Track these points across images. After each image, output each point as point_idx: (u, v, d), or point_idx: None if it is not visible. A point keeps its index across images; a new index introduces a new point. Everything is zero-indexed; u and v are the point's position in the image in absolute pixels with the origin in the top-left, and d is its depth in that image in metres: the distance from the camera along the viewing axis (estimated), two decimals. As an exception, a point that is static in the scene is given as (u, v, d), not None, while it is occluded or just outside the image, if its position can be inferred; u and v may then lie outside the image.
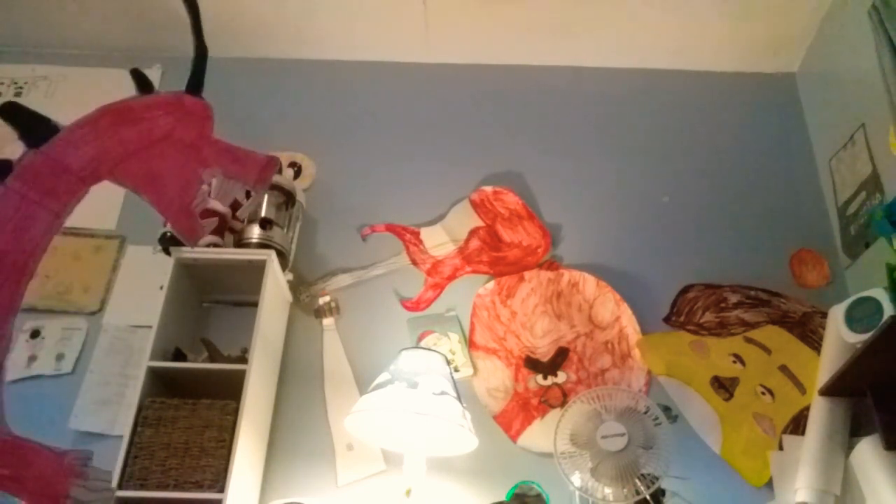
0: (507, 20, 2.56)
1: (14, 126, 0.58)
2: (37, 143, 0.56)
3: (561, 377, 2.10)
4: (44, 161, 0.44)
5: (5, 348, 0.39)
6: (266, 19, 2.61)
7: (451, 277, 2.25)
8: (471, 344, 2.15)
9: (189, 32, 2.63)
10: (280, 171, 2.45)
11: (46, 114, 2.61)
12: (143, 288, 2.17)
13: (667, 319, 2.19)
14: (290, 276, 2.15)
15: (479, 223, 2.36)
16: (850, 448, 1.80)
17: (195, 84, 0.63)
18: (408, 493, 1.73)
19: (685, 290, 2.24)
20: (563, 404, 2.01)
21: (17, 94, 2.67)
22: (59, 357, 2.13)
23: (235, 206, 2.17)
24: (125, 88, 2.71)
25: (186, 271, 2.06)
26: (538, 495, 1.87)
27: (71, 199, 0.48)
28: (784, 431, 1.97)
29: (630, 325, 2.16)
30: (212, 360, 1.99)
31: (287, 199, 2.22)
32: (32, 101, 2.65)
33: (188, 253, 2.00)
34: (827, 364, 1.92)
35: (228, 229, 2.15)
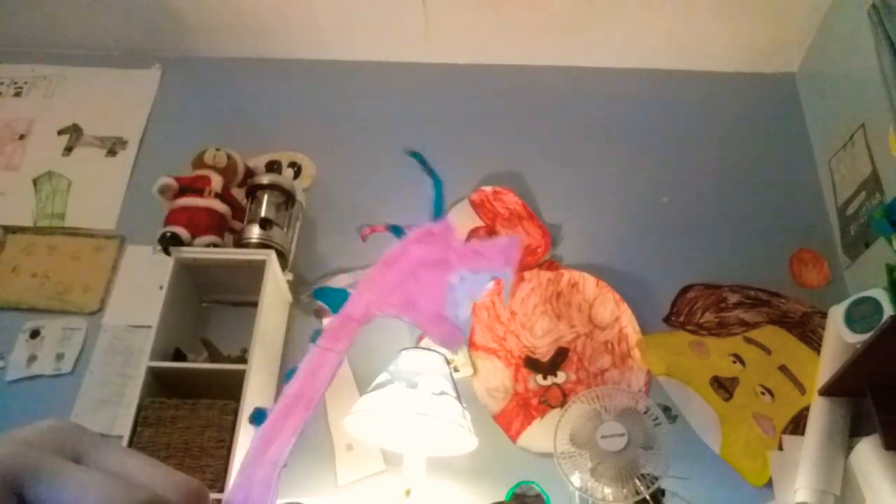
0: (507, 20, 2.56)
1: (327, 304, 0.68)
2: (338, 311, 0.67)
3: (561, 377, 2.10)
4: (339, 319, 0.53)
5: (284, 458, 0.45)
6: (266, 19, 2.61)
7: (451, 277, 2.25)
8: (471, 344, 2.15)
9: (189, 32, 2.64)
10: (280, 171, 2.46)
11: (46, 113, 2.62)
12: (142, 288, 2.17)
13: (667, 319, 2.19)
14: (289, 276, 2.15)
15: (479, 223, 2.36)
16: (850, 448, 1.80)
17: (437, 212, 0.74)
18: (407, 493, 1.73)
19: (685, 290, 2.24)
20: (562, 404, 2.01)
21: (17, 94, 2.67)
22: (59, 357, 2.13)
23: (236, 206, 2.17)
24: (125, 88, 2.72)
25: (186, 271, 2.06)
26: (538, 495, 1.87)
27: (351, 340, 0.56)
28: (784, 431, 1.97)
29: (630, 325, 2.16)
30: (212, 360, 1.99)
31: (287, 199, 2.22)
32: (32, 101, 2.66)
33: (188, 253, 2.00)
34: (827, 364, 1.92)
35: (228, 229, 2.15)
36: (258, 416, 0.59)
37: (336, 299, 0.66)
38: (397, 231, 0.76)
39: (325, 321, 2.18)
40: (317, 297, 0.84)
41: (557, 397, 2.06)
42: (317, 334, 0.65)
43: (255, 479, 0.42)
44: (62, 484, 0.27)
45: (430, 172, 0.68)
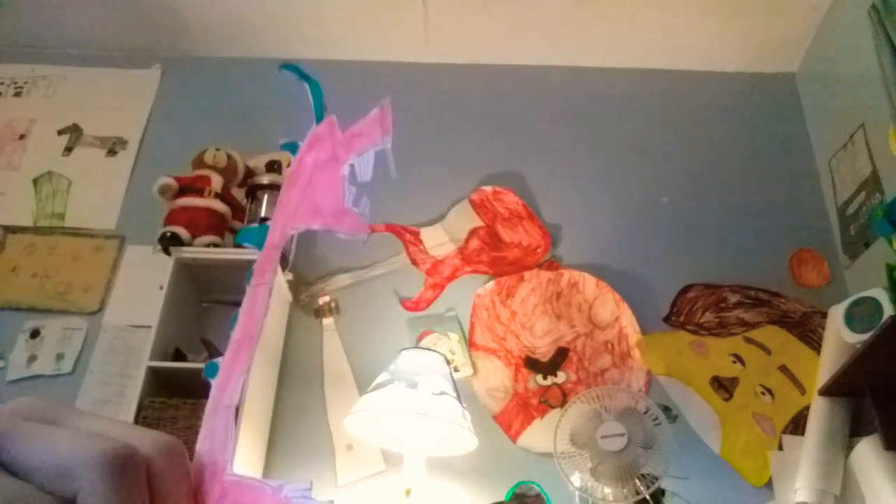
0: (507, 20, 2.56)
1: (253, 245, 0.67)
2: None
3: (561, 377, 2.10)
4: (263, 252, 0.53)
5: (237, 398, 0.46)
6: (266, 19, 2.61)
7: (451, 277, 2.26)
8: (471, 344, 2.15)
9: (189, 32, 2.64)
10: (280, 171, 2.45)
11: (46, 113, 2.62)
12: (142, 288, 2.17)
13: (667, 319, 2.19)
14: (290, 276, 2.15)
15: (479, 223, 2.36)
16: (850, 448, 1.80)
17: (318, 117, 0.73)
18: (407, 493, 1.73)
19: (685, 290, 2.24)
20: (562, 404, 2.01)
21: (17, 94, 2.67)
22: (59, 357, 2.13)
23: (236, 206, 2.17)
24: (125, 88, 2.72)
25: (186, 271, 2.06)
26: (538, 495, 1.87)
27: (275, 267, 0.55)
28: (784, 431, 1.97)
29: (630, 325, 2.16)
30: (212, 360, 1.98)
31: (287, 199, 2.22)
32: (32, 101, 2.66)
33: (188, 253, 2.01)
34: (827, 364, 1.92)
35: (228, 229, 2.15)
36: (211, 370, 0.59)
37: (259, 236, 0.65)
38: (291, 147, 0.75)
39: (327, 320, 2.18)
40: (239, 242, 0.84)
41: (557, 397, 2.06)
42: (249, 274, 0.65)
43: (215, 428, 0.42)
44: (35, 441, 0.28)
45: (308, 80, 0.67)
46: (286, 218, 0.55)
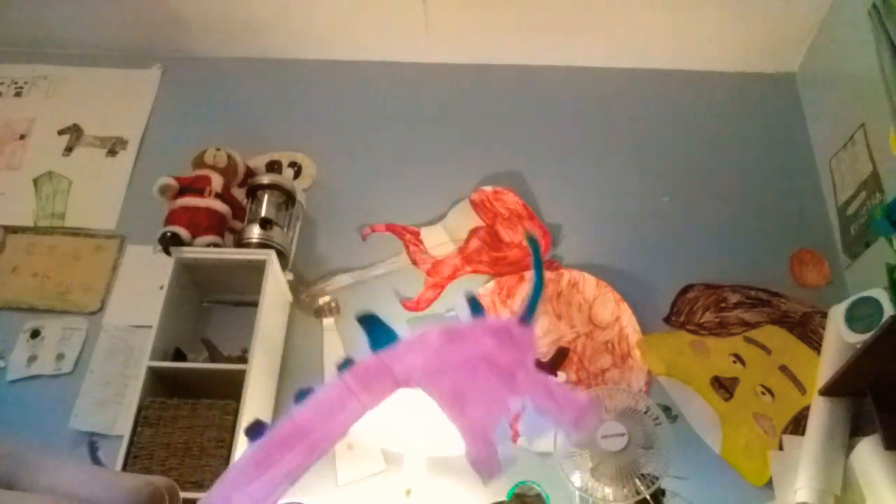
0: (507, 20, 2.56)
1: (367, 334, 0.64)
2: (378, 350, 0.61)
3: (561, 377, 2.10)
4: (375, 363, 0.50)
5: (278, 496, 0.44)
6: (266, 19, 2.61)
7: (451, 277, 2.26)
8: (471, 344, 2.14)
9: (189, 32, 2.64)
10: (280, 171, 2.46)
11: (46, 113, 2.62)
12: (143, 288, 2.17)
13: (667, 319, 2.19)
14: (290, 276, 2.15)
15: (479, 223, 2.36)
16: (850, 448, 1.80)
17: (528, 315, 0.67)
18: (408, 493, 1.73)
19: (685, 290, 2.24)
20: (563, 404, 2.01)
21: (17, 94, 2.67)
22: (59, 357, 2.13)
23: (236, 206, 2.17)
24: (125, 88, 2.72)
25: (186, 271, 2.06)
26: (538, 495, 1.87)
27: (383, 398, 0.52)
28: (784, 431, 1.97)
29: (630, 325, 2.16)
30: (212, 360, 1.99)
31: (287, 199, 2.22)
32: (32, 100, 2.66)
33: (188, 253, 2.01)
34: (827, 364, 1.92)
35: (228, 229, 2.15)
36: (256, 432, 0.55)
37: (382, 336, 0.62)
38: (476, 307, 0.69)
39: (327, 320, 2.18)
40: (361, 323, 0.78)
41: (557, 397, 2.06)
42: (346, 364, 0.61)
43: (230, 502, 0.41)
44: None
45: (538, 270, 0.61)
46: (425, 366, 0.51)
